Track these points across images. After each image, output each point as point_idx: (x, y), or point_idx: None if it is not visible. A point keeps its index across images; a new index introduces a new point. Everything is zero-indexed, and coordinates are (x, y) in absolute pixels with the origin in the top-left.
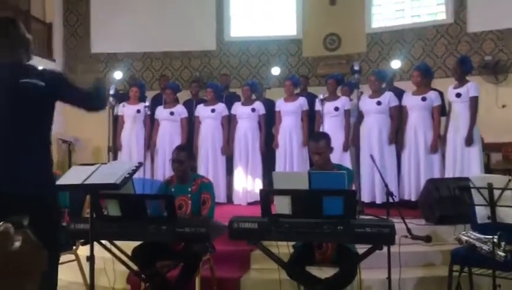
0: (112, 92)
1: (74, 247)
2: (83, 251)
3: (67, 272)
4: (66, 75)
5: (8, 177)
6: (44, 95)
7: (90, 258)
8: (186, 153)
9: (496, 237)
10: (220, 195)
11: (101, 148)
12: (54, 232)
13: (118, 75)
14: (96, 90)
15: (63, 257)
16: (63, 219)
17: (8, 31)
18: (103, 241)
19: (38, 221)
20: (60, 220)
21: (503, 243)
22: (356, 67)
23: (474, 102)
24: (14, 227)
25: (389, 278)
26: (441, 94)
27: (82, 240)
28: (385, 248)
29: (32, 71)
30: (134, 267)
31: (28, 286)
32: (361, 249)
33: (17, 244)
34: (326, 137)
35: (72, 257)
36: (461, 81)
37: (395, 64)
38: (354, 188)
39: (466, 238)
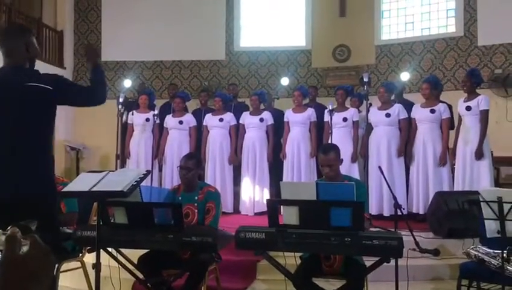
0: (121, 99)
1: (80, 254)
2: (89, 258)
3: (73, 279)
4: (66, 78)
5: (11, 182)
6: (52, 99)
7: (96, 266)
8: (194, 161)
9: (505, 251)
10: (227, 205)
11: (109, 156)
12: (55, 236)
13: (127, 83)
14: (93, 76)
15: (69, 264)
16: (73, 224)
17: (13, 37)
18: (109, 249)
19: (39, 225)
20: (59, 225)
21: None
22: (365, 79)
23: (484, 115)
24: (22, 232)
25: None
26: (450, 107)
27: (88, 247)
28: (393, 261)
29: (36, 75)
30: (140, 276)
31: None
32: (369, 261)
33: (25, 249)
34: (335, 149)
35: (78, 264)
36: (471, 94)
37: (404, 76)
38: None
39: (475, 252)
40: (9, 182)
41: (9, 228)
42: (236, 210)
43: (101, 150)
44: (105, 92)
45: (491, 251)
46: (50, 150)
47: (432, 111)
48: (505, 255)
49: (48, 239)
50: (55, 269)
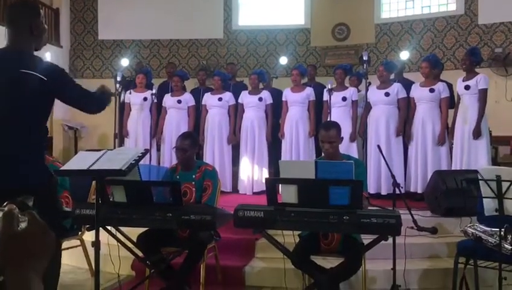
0: (118, 78)
1: (80, 232)
2: (88, 236)
3: (73, 257)
4: (66, 73)
5: (3, 172)
6: (45, 90)
7: (96, 244)
8: (190, 141)
9: (502, 229)
10: (226, 184)
11: (108, 136)
12: (55, 219)
13: (124, 62)
14: (99, 94)
15: (69, 242)
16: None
17: (17, 17)
18: (108, 227)
19: (39, 209)
20: (59, 207)
21: (509, 236)
22: (365, 57)
23: (483, 94)
24: (19, 208)
25: (393, 269)
26: (450, 86)
27: (87, 225)
28: (390, 239)
29: (34, 63)
30: (139, 254)
31: (36, 267)
32: (366, 239)
33: (23, 225)
34: (336, 126)
35: (78, 242)
36: (470, 73)
37: (404, 55)
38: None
39: (472, 230)
40: (2, 171)
41: (5, 204)
42: (235, 189)
43: (99, 129)
44: (103, 105)
45: (489, 229)
46: (42, 137)
47: (431, 90)
48: (502, 233)
49: (48, 220)
50: (57, 247)
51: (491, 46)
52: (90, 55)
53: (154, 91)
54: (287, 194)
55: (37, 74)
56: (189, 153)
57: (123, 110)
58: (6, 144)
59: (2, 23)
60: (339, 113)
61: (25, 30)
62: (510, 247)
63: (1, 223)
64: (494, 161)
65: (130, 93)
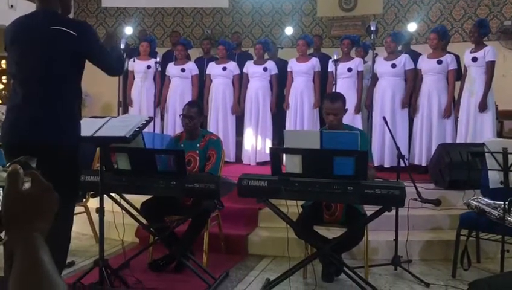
0: (122, 46)
1: (84, 199)
2: (93, 203)
3: (77, 224)
4: (94, 31)
5: (29, 125)
6: (75, 46)
7: (100, 211)
8: (196, 109)
9: (506, 203)
10: (230, 154)
11: (111, 104)
12: (70, 181)
13: (128, 30)
14: (116, 55)
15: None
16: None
17: None
18: (113, 195)
19: (56, 169)
20: (79, 172)
21: None
22: (372, 27)
23: (490, 67)
24: (22, 168)
25: (396, 240)
26: (457, 58)
27: (92, 192)
28: (393, 211)
29: (65, 20)
30: (143, 221)
31: (40, 227)
32: (369, 211)
33: (27, 185)
34: (342, 98)
35: (82, 209)
36: (478, 45)
37: (412, 26)
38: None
39: (475, 203)
40: (22, 126)
41: (8, 164)
42: (238, 160)
43: (103, 98)
44: (120, 67)
45: (492, 201)
46: (70, 98)
47: (439, 62)
48: (506, 206)
49: (61, 183)
50: (71, 211)
51: (500, 18)
52: (94, 23)
53: (158, 59)
54: (292, 164)
55: (67, 30)
56: (195, 120)
57: (127, 78)
58: (35, 103)
59: None
60: (344, 84)
61: None
62: None
63: (6, 182)
64: (500, 135)
65: (134, 61)
